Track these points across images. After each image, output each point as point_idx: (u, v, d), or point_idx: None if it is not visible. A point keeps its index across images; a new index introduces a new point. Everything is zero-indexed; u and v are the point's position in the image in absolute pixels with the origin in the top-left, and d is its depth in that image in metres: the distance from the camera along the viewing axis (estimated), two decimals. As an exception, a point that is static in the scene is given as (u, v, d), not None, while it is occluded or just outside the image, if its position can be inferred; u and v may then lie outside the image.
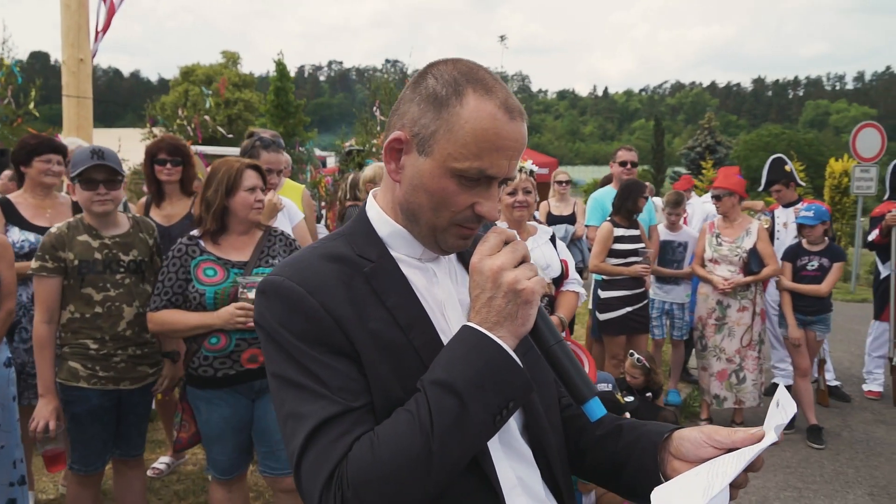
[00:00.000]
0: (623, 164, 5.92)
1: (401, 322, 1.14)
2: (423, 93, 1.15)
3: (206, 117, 10.34)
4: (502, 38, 10.40)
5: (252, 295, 2.86)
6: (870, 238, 6.63)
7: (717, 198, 5.62)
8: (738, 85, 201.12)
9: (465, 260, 1.32)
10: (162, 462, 4.61)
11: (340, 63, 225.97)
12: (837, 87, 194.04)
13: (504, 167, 1.13)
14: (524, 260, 1.11)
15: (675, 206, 6.21)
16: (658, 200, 7.44)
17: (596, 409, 1.10)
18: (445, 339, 1.15)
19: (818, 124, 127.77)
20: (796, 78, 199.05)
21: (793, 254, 5.65)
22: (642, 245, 5.37)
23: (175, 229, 3.97)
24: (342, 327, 1.09)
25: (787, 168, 6.68)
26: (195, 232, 3.03)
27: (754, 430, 1.07)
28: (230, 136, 13.52)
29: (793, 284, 5.53)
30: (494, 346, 1.04)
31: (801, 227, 5.60)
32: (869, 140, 13.43)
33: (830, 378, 6.60)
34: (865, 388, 6.75)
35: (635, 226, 5.42)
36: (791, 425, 5.66)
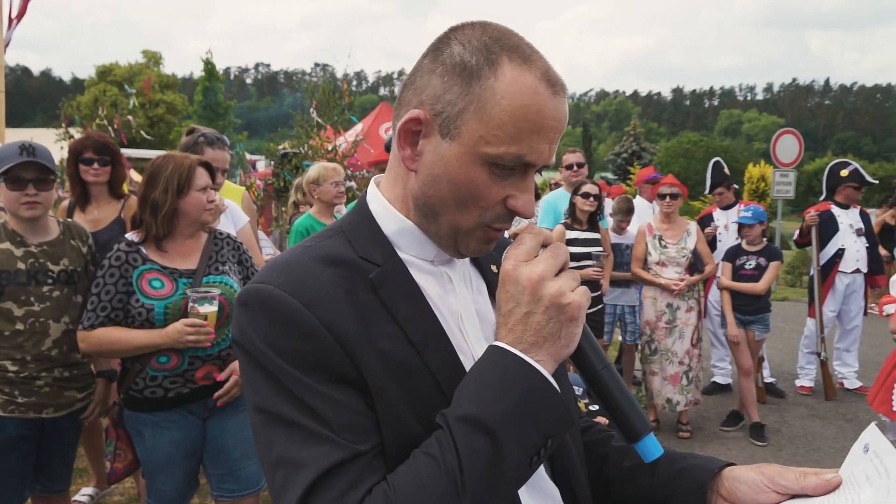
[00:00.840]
0: (569, 166, 5.89)
1: (413, 339, 0.95)
2: (448, 62, 0.95)
3: (130, 118, 9.80)
4: (440, 40, 10.29)
5: (204, 309, 2.58)
6: (793, 238, 6.93)
7: (672, 196, 5.63)
8: (658, 94, 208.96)
9: (478, 261, 1.16)
10: (84, 494, 4.18)
11: (268, 66, 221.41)
12: (749, 98, 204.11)
13: (545, 152, 0.95)
14: (564, 267, 0.93)
15: (627, 213, 6.24)
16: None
17: (652, 449, 0.93)
18: (464, 359, 0.99)
19: (732, 132, 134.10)
20: (711, 88, 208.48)
21: (732, 254, 5.80)
22: (599, 248, 5.34)
23: (102, 235, 3.61)
24: (346, 348, 0.89)
25: (727, 171, 6.88)
26: (133, 237, 2.68)
27: (829, 476, 0.92)
28: (150, 137, 12.78)
29: (731, 283, 5.67)
30: (533, 372, 0.86)
31: (741, 227, 5.75)
32: (787, 146, 14.07)
33: (766, 375, 6.79)
34: (798, 383, 6.97)
35: (594, 229, 5.40)
36: (735, 423, 5.80)
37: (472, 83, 0.93)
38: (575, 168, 5.87)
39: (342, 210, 4.89)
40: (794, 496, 0.93)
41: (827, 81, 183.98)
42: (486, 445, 0.82)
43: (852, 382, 6.93)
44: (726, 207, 6.76)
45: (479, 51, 0.94)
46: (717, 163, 7.07)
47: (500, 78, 0.92)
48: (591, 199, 5.38)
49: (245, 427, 2.85)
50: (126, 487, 4.31)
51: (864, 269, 6.76)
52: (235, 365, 2.77)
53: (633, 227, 6.24)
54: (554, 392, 0.86)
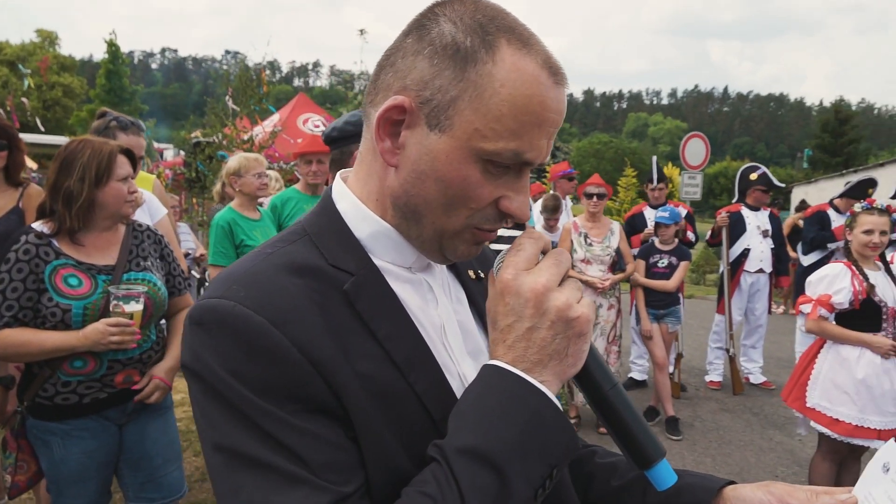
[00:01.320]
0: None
1: (396, 359, 0.84)
2: (438, 42, 0.83)
3: (24, 100, 9.07)
4: (362, 31, 10.07)
5: (130, 307, 2.36)
6: (706, 238, 7.26)
7: (599, 196, 5.72)
8: (570, 95, 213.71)
9: (455, 266, 1.05)
10: (-21, 506, 3.84)
11: (175, 51, 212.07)
12: (655, 102, 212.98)
13: (543, 149, 0.85)
14: (566, 276, 0.84)
15: (554, 211, 6.32)
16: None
17: (666, 476, 0.85)
18: (451, 379, 0.90)
19: (639, 135, 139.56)
20: (620, 91, 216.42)
21: (646, 252, 6.02)
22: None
23: (-3, 226, 3.29)
24: (323, 373, 0.77)
25: (667, 171, 7.13)
26: (43, 228, 2.39)
27: (844, 497, 0.87)
28: (42, 130, 11.59)
29: (645, 280, 5.88)
30: (538, 395, 0.77)
31: (657, 227, 5.96)
32: (695, 150, 14.69)
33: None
34: (707, 378, 7.27)
35: (520, 227, 5.39)
36: (652, 418, 5.97)
37: (466, 68, 0.81)
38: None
39: (265, 203, 4.67)
40: None
41: (726, 89, 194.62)
42: (492, 481, 0.73)
43: (757, 377, 7.30)
44: (656, 206, 6.97)
45: (473, 31, 0.82)
46: (657, 161, 7.36)
47: (498, 63, 0.81)
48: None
49: (167, 430, 2.67)
50: (23, 499, 3.96)
51: (768, 270, 7.13)
52: (156, 369, 2.57)
53: (560, 224, 6.34)
54: (561, 417, 0.78)
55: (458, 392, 0.90)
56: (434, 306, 0.95)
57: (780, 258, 7.21)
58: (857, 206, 3.86)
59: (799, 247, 7.71)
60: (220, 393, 0.77)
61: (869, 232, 3.76)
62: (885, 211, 3.77)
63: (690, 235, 7.13)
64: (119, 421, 2.53)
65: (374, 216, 0.92)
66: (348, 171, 0.99)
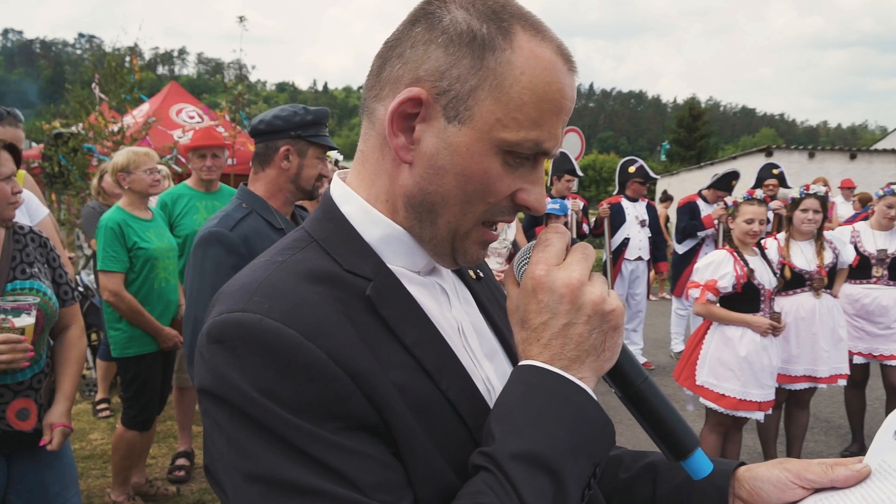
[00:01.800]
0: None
1: (427, 367, 0.80)
2: (452, 30, 0.79)
3: None
4: (242, 19, 9.61)
5: (20, 321, 2.10)
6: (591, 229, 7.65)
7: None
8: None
9: (461, 269, 1.02)
10: None
11: (20, 33, 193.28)
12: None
13: (559, 138, 0.83)
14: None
15: None
16: None
17: (704, 464, 0.85)
18: (478, 384, 0.87)
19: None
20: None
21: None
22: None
23: None
24: (363, 386, 0.73)
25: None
26: None
27: (859, 467, 0.87)
28: None
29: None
30: (581, 393, 0.76)
31: (548, 218, 6.17)
32: (572, 143, 15.35)
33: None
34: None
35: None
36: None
37: (485, 56, 0.78)
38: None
39: (154, 202, 4.37)
40: (819, 490, 0.89)
41: (591, 86, 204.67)
42: (548, 485, 0.71)
43: (638, 358, 7.77)
44: (563, 198, 7.23)
45: (487, 17, 0.80)
46: (563, 154, 7.63)
47: (517, 51, 0.79)
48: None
49: (63, 453, 2.42)
50: None
51: (646, 257, 7.61)
52: (53, 415, 2.31)
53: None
54: (602, 414, 0.77)
55: (486, 396, 0.88)
56: (448, 309, 0.92)
57: (657, 246, 7.70)
58: (740, 197, 4.21)
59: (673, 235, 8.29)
60: (253, 416, 0.71)
61: (750, 221, 4.10)
62: (764, 202, 4.12)
63: (585, 227, 7.47)
64: (5, 450, 2.27)
65: (385, 218, 0.87)
66: (346, 172, 0.94)
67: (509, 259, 5.77)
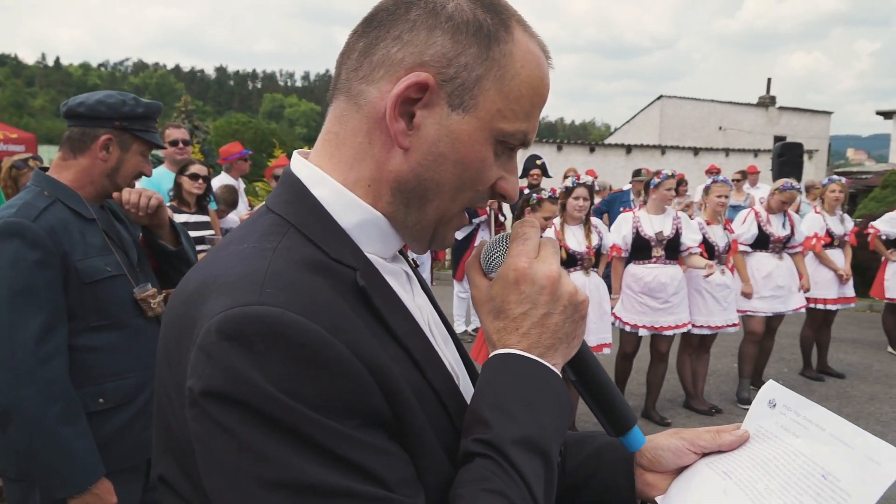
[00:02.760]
0: (174, 142, 5.39)
1: (416, 357, 0.80)
2: (458, 18, 0.79)
3: None
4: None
5: None
6: None
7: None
8: (202, 71, 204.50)
9: (403, 255, 1.01)
10: None
11: None
12: (289, 84, 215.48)
13: (536, 130, 0.87)
14: None
15: (233, 205, 6.09)
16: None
17: (639, 438, 0.94)
18: (449, 372, 0.88)
19: (276, 116, 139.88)
20: (254, 71, 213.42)
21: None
22: (211, 232, 5.04)
23: None
24: (381, 380, 0.71)
25: None
26: None
27: (740, 432, 0.98)
28: None
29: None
30: (558, 380, 0.82)
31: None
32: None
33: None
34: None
35: (203, 212, 5.05)
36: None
37: (490, 46, 0.80)
38: (180, 145, 5.41)
39: None
40: (709, 454, 0.99)
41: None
42: (541, 467, 0.76)
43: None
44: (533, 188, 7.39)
45: (489, 9, 0.81)
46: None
47: (517, 44, 0.82)
48: (201, 180, 5.06)
49: None
50: None
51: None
52: None
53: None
54: (569, 396, 0.84)
55: (456, 382, 0.89)
56: (413, 297, 0.91)
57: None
58: (545, 194, 5.00)
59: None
60: (276, 418, 0.66)
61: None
62: (556, 199, 4.99)
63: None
64: None
65: (364, 203, 0.84)
66: (309, 152, 0.89)
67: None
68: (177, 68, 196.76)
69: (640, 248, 5.51)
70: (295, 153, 0.90)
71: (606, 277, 5.61)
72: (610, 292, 5.48)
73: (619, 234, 5.51)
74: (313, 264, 0.76)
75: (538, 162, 8.75)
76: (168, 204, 4.92)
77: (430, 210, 0.85)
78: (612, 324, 5.54)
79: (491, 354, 0.84)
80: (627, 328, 5.58)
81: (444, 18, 0.80)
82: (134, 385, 2.21)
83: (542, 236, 0.90)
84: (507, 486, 0.72)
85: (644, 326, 5.53)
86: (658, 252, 5.50)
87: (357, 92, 0.83)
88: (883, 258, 7.85)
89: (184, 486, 0.77)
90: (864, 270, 8.98)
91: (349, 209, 0.84)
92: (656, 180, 5.55)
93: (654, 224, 5.50)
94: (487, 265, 0.89)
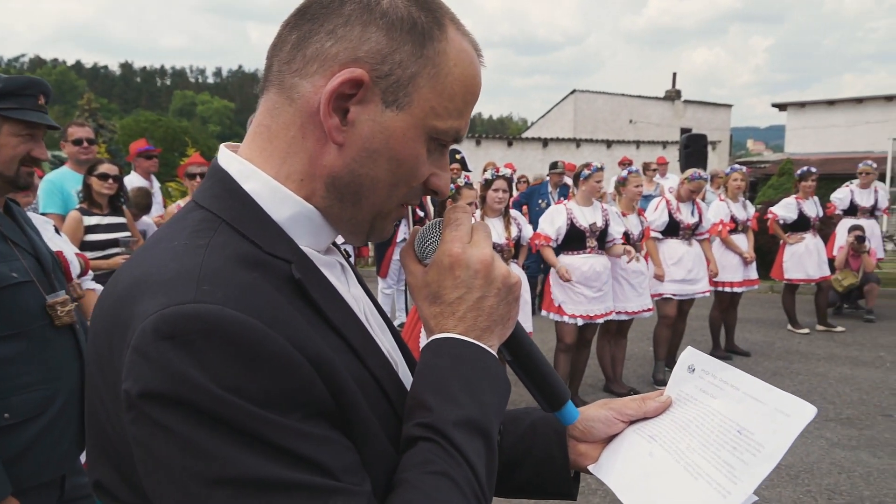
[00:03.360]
0: (78, 142, 5.11)
1: (355, 346, 0.81)
2: (393, 15, 0.80)
3: None
4: None
5: None
6: None
7: (202, 175, 5.48)
8: (105, 68, 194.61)
9: (336, 246, 1.01)
10: None
11: None
12: (200, 80, 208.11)
13: (468, 127, 0.89)
14: None
15: (146, 209, 5.89)
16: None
17: (573, 412, 0.98)
18: (388, 360, 0.89)
19: (187, 114, 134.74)
20: (163, 67, 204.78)
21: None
22: (126, 234, 4.82)
23: None
24: (322, 372, 0.71)
25: None
26: None
27: (663, 398, 1.04)
28: None
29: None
30: (494, 360, 0.84)
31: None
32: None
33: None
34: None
35: (117, 213, 4.82)
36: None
37: (425, 44, 0.81)
38: (85, 144, 5.14)
39: None
40: (636, 421, 1.05)
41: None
42: (482, 446, 0.78)
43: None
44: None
45: (422, 7, 0.82)
46: None
47: (450, 42, 0.83)
48: (111, 180, 4.83)
49: None
50: None
51: (352, 240, 7.93)
52: None
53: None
54: (507, 376, 0.86)
55: (395, 370, 0.90)
56: (348, 288, 0.92)
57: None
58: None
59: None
60: (218, 416, 0.65)
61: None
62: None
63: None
64: None
65: (296, 197, 0.84)
66: (237, 145, 0.88)
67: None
68: (78, 64, 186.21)
69: (575, 239, 5.64)
70: (222, 146, 0.88)
71: (527, 268, 5.73)
72: (535, 283, 5.63)
73: (552, 225, 5.58)
74: (248, 259, 0.75)
75: (457, 156, 8.83)
76: (77, 206, 4.68)
77: (366, 205, 0.86)
78: (547, 316, 5.69)
79: (429, 339, 0.86)
80: (566, 319, 5.63)
81: (378, 14, 0.80)
82: (42, 398, 2.08)
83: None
84: (451, 467, 0.74)
85: (581, 316, 5.63)
86: (592, 242, 5.66)
87: (290, 85, 0.82)
88: (781, 241, 8.37)
89: (123, 491, 0.76)
90: (765, 254, 9.56)
91: (282, 203, 0.83)
92: (586, 172, 5.64)
93: (587, 215, 5.66)
94: (422, 252, 0.91)
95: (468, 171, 9.02)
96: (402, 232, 8.06)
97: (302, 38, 0.82)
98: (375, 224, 0.89)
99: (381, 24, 0.80)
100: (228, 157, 0.86)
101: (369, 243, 8.04)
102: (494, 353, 0.86)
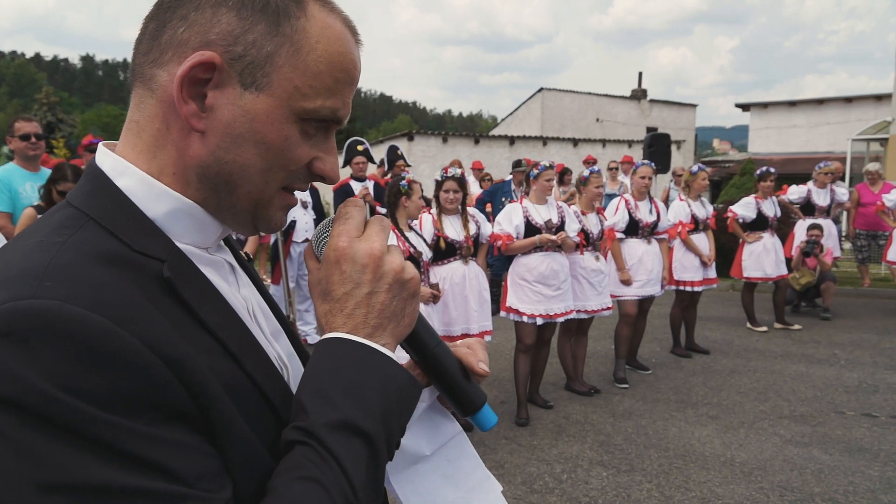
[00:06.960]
0: (25, 137, 4.94)
1: (232, 349, 0.77)
2: None
3: None
4: None
5: None
6: None
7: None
8: (66, 60, 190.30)
9: (231, 247, 0.96)
10: None
11: None
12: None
13: (349, 106, 0.85)
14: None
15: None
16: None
17: (490, 417, 0.94)
18: (275, 364, 0.85)
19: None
20: (126, 60, 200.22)
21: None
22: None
23: None
24: (180, 373, 0.67)
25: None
26: None
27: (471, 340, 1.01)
28: None
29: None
30: (385, 359, 0.79)
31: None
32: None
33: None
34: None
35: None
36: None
37: (280, 22, 0.77)
38: (33, 139, 4.96)
39: None
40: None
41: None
42: (363, 448, 0.74)
43: (314, 338, 7.94)
44: (360, 179, 7.89)
45: None
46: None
47: (311, 19, 0.79)
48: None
49: None
50: None
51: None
52: None
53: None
54: (407, 375, 0.81)
55: (283, 375, 0.87)
56: (237, 288, 0.88)
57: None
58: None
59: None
60: (55, 419, 0.61)
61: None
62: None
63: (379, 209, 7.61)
64: None
65: (172, 192, 0.80)
66: (112, 143, 0.83)
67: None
68: (37, 57, 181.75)
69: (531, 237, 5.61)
70: (100, 145, 0.85)
71: (491, 266, 5.70)
72: (499, 282, 5.62)
73: (510, 223, 5.54)
74: (110, 257, 0.72)
75: (359, 147, 8.35)
76: (35, 204, 4.54)
77: (241, 193, 0.82)
78: (507, 316, 5.64)
79: (319, 339, 0.83)
80: (525, 319, 5.54)
81: None
82: None
83: (371, 215, 0.89)
84: (323, 471, 0.71)
85: (540, 315, 5.55)
86: (549, 240, 5.67)
87: (150, 76, 0.79)
88: (741, 240, 8.50)
89: None
90: (726, 252, 9.69)
91: (157, 199, 0.80)
92: (535, 171, 5.63)
93: (542, 213, 5.63)
94: (318, 249, 0.88)
95: (373, 162, 8.84)
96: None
97: (158, 27, 0.79)
98: (258, 213, 0.85)
99: (231, 4, 0.77)
100: (104, 155, 0.83)
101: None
102: (389, 351, 0.82)
